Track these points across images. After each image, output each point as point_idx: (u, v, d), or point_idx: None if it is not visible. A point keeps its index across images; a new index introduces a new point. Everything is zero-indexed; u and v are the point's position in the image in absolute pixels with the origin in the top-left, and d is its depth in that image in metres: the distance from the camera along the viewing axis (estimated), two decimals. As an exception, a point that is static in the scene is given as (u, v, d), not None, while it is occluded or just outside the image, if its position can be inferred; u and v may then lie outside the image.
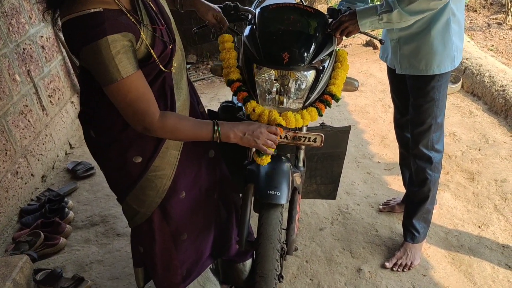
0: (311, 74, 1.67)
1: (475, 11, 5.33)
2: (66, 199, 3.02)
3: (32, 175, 3.22)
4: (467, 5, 5.43)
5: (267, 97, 1.70)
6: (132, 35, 1.32)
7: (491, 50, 4.31)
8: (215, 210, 1.90)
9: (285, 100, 1.69)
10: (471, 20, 5.13)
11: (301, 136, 1.70)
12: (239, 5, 1.96)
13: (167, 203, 1.66)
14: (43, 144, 3.43)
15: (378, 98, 3.87)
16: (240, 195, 1.98)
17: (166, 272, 1.82)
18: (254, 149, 1.78)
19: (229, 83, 1.75)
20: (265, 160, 1.65)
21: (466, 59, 3.84)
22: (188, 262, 1.85)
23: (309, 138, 1.71)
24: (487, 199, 2.51)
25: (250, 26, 1.81)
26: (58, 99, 3.79)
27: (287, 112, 1.65)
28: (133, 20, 1.34)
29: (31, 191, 3.18)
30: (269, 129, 1.58)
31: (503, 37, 4.55)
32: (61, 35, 3.91)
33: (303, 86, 1.68)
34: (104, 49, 1.26)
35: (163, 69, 1.45)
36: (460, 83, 3.73)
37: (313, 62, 1.66)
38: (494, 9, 5.29)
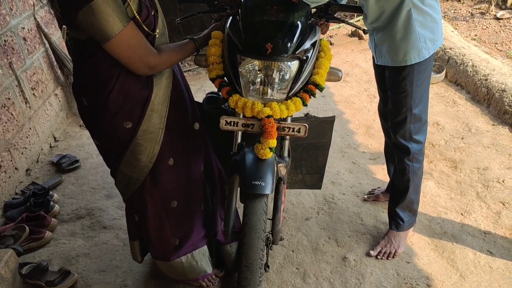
0: (294, 64, 1.67)
1: (459, 1, 5.37)
2: (51, 192, 3.00)
3: (16, 168, 3.19)
4: (451, -5, 5.46)
5: (251, 88, 1.70)
6: None
7: (474, 39, 4.35)
8: (202, 184, 2.02)
9: (269, 91, 1.69)
10: (455, 10, 5.17)
11: (285, 127, 1.71)
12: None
13: (156, 169, 1.82)
14: (27, 137, 3.39)
15: (363, 88, 3.89)
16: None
17: (159, 240, 1.98)
18: (238, 140, 1.80)
19: (212, 80, 1.76)
20: (268, 154, 1.66)
21: (450, 48, 3.88)
22: (180, 231, 1.99)
23: (293, 129, 1.72)
24: (470, 187, 2.55)
25: (233, 17, 1.80)
26: (42, 91, 3.74)
27: (272, 103, 1.66)
28: None
29: (15, 185, 3.15)
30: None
31: (486, 27, 4.59)
32: (43, 26, 3.85)
33: (287, 77, 1.68)
34: (101, 6, 1.42)
35: (148, 30, 1.61)
36: (443, 72, 3.76)
37: (296, 53, 1.66)
38: (477, -1, 5.33)
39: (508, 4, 4.86)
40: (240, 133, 1.82)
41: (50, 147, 3.71)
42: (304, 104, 1.70)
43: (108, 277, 2.32)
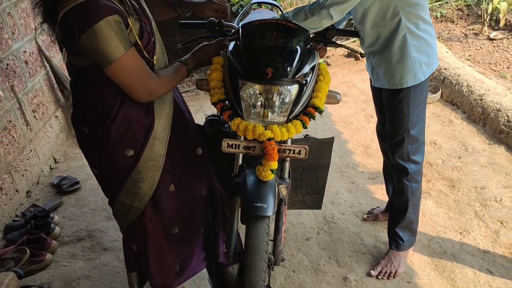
0: (294, 88, 1.71)
1: (453, 22, 5.47)
2: (51, 214, 3.01)
3: (16, 190, 3.20)
4: (445, 16, 5.56)
5: (252, 111, 1.73)
6: (122, 20, 1.49)
7: (469, 60, 4.42)
8: (203, 209, 2.00)
9: (270, 114, 1.73)
10: (449, 31, 5.26)
11: (286, 149, 1.74)
12: (223, 21, 2.01)
13: (157, 196, 1.79)
14: (28, 159, 3.41)
15: (360, 108, 3.94)
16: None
17: (160, 268, 1.92)
18: (239, 162, 1.83)
19: (214, 104, 1.79)
20: (269, 176, 1.68)
21: (445, 69, 3.95)
22: (180, 257, 1.95)
23: (294, 151, 1.75)
24: (468, 206, 2.58)
25: (234, 42, 1.85)
26: (42, 113, 3.78)
27: (272, 126, 1.69)
28: (121, 7, 1.50)
29: (15, 207, 3.16)
30: (209, 43, 1.87)
31: (480, 47, 4.68)
32: (44, 49, 3.91)
33: (287, 100, 1.72)
34: (104, 30, 1.43)
35: (148, 57, 1.62)
36: (439, 92, 3.82)
37: (296, 77, 1.70)
38: (470, 20, 5.43)
39: (501, 25, 4.96)
40: (241, 155, 1.85)
41: (51, 168, 3.73)
42: (304, 127, 1.74)
43: (109, 300, 2.32)
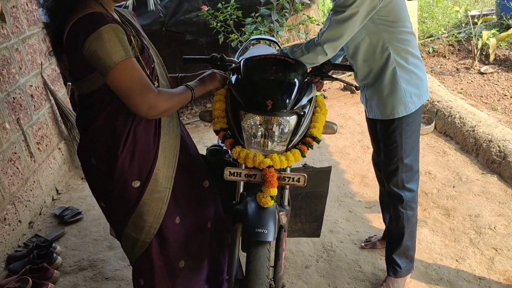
0: (293, 119, 1.80)
1: (444, 56, 5.66)
2: (54, 244, 3.04)
3: (19, 221, 3.24)
4: (437, 51, 5.76)
5: (253, 141, 1.82)
6: (125, 33, 1.57)
7: (461, 93, 4.57)
8: (209, 240, 2.01)
9: (269, 143, 1.81)
10: (441, 65, 5.44)
11: (285, 177, 1.82)
12: (225, 56, 2.13)
13: (164, 228, 1.79)
14: (31, 190, 3.47)
15: (357, 140, 4.04)
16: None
17: None
18: (241, 190, 1.90)
19: (216, 132, 1.87)
20: (270, 202, 1.74)
21: (438, 101, 4.08)
22: None
23: (293, 178, 1.82)
24: (463, 233, 2.64)
25: (235, 75, 1.96)
26: (46, 145, 3.86)
27: (272, 154, 1.78)
28: (124, 26, 1.59)
29: (18, 237, 3.20)
30: (218, 71, 1.95)
31: (471, 81, 4.83)
32: (49, 83, 4.03)
33: (286, 130, 1.81)
34: (108, 33, 1.50)
35: (148, 74, 1.67)
36: (433, 124, 3.94)
37: (294, 108, 1.80)
38: (462, 55, 5.62)
39: (491, 59, 5.14)
40: (242, 183, 1.92)
41: (53, 199, 3.78)
42: (303, 155, 1.82)
43: (111, 329, 2.34)
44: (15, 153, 3.33)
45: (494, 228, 2.63)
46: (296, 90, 1.82)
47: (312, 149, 1.85)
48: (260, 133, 1.81)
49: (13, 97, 3.44)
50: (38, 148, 3.72)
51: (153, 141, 1.75)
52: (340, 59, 2.30)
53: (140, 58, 1.66)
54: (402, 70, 1.94)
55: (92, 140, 1.70)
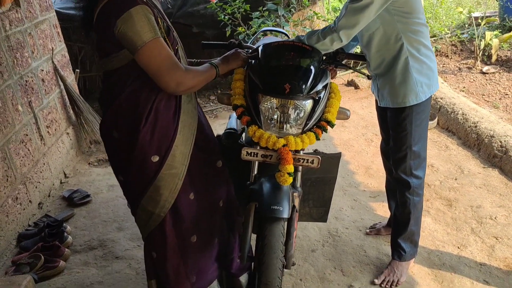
0: (309, 103, 1.87)
1: (447, 56, 5.75)
2: (64, 224, 3.11)
3: (30, 201, 3.31)
4: (440, 51, 5.84)
5: (270, 123, 1.89)
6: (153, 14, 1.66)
7: (463, 91, 4.66)
8: (220, 220, 2.09)
9: (285, 126, 1.89)
10: (444, 64, 5.53)
11: (300, 158, 1.90)
12: (243, 42, 2.21)
13: (178, 203, 1.87)
14: (41, 172, 3.53)
15: (361, 133, 4.13)
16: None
17: (177, 277, 1.99)
18: (255, 171, 1.98)
19: (235, 107, 1.95)
20: (288, 180, 1.82)
21: (441, 98, 4.17)
22: (196, 268, 2.03)
23: (307, 160, 1.90)
24: (465, 223, 2.73)
25: (254, 61, 2.03)
26: (55, 130, 3.92)
27: (288, 136, 1.85)
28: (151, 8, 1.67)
29: (28, 217, 3.26)
30: (241, 50, 2.02)
31: (473, 80, 4.92)
32: (59, 69, 4.09)
33: (301, 114, 1.88)
34: (138, 14, 1.59)
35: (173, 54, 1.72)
36: (436, 120, 4.03)
37: (310, 93, 1.87)
38: (464, 55, 5.71)
39: (493, 60, 5.23)
40: (256, 165, 2.00)
41: (61, 182, 3.84)
42: (317, 138, 1.89)
43: (123, 304, 2.41)
44: (27, 135, 3.39)
45: (495, 218, 2.72)
46: (312, 76, 1.89)
47: (327, 132, 1.92)
48: (276, 116, 1.88)
49: (26, 80, 3.49)
50: (48, 132, 3.78)
51: (173, 119, 1.82)
52: (353, 50, 2.38)
53: (167, 40, 1.74)
54: (414, 60, 2.02)
55: (115, 114, 1.78)
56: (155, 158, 1.80)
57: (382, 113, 2.33)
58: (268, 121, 1.89)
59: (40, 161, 3.55)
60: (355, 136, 4.08)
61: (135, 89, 1.74)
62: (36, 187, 3.43)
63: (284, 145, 1.83)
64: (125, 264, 2.72)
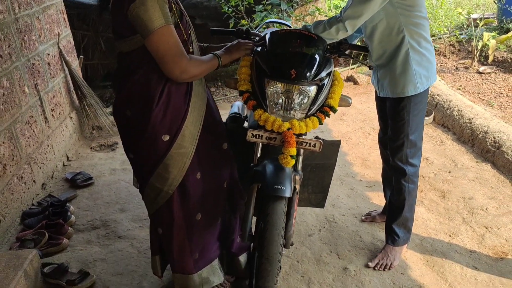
0: (313, 89, 1.96)
1: (445, 56, 5.85)
2: (68, 204, 3.18)
3: (34, 181, 3.38)
4: (438, 50, 5.94)
5: (275, 107, 1.98)
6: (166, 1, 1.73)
7: (459, 89, 4.76)
8: (223, 200, 2.18)
9: (290, 110, 1.98)
10: (442, 63, 5.63)
11: (302, 141, 1.98)
12: (250, 30, 2.29)
13: (186, 181, 1.96)
14: (45, 154, 3.60)
15: (359, 127, 4.23)
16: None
17: (181, 253, 2.08)
18: (258, 154, 2.06)
19: (241, 93, 2.03)
20: (291, 162, 1.90)
21: (438, 95, 4.27)
22: (200, 245, 2.11)
23: (310, 143, 1.99)
24: (457, 213, 2.83)
25: (261, 47, 2.12)
26: (59, 113, 3.99)
27: (293, 120, 1.94)
28: None
29: (32, 196, 3.33)
30: (243, 41, 2.07)
31: (470, 79, 5.03)
32: (65, 54, 4.15)
33: (305, 99, 1.97)
34: (151, 0, 1.65)
35: (185, 38, 1.83)
36: (432, 116, 4.13)
37: (315, 79, 1.96)
38: (461, 55, 5.81)
39: (489, 60, 5.34)
40: (260, 148, 2.08)
41: (64, 165, 3.92)
42: (320, 123, 1.98)
43: (125, 280, 2.49)
44: (32, 116, 3.46)
45: (486, 209, 2.83)
46: (317, 64, 1.98)
47: (329, 117, 2.01)
48: (281, 100, 1.97)
49: (32, 63, 3.56)
50: (52, 115, 3.84)
51: (184, 100, 1.91)
52: (356, 41, 2.47)
53: (180, 24, 1.83)
54: (414, 52, 2.11)
55: (129, 94, 1.86)
56: (166, 137, 1.88)
57: (381, 103, 2.42)
58: (274, 105, 1.97)
59: (45, 143, 3.62)
60: (353, 129, 4.18)
61: (148, 71, 1.82)
62: (40, 168, 3.50)
63: (288, 129, 1.92)
64: (127, 243, 2.80)
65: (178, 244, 2.07)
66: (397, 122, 2.26)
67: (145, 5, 1.66)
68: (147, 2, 1.66)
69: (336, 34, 2.05)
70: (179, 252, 2.09)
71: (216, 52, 2.00)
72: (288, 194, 1.89)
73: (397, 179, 2.36)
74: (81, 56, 4.78)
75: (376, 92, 2.43)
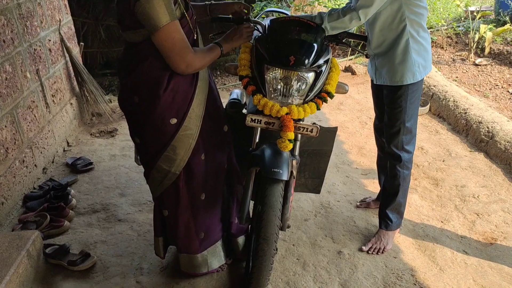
0: (311, 76, 2.01)
1: (442, 47, 5.90)
2: (68, 188, 3.24)
3: (35, 165, 3.43)
4: (435, 42, 5.99)
5: (274, 92, 2.03)
6: None
7: (455, 81, 4.82)
8: (223, 182, 2.25)
9: (288, 96, 2.03)
10: (439, 55, 5.68)
11: (300, 126, 2.04)
12: (250, 17, 2.33)
13: (191, 162, 2.04)
14: (46, 138, 3.65)
15: (355, 116, 4.29)
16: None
17: (187, 233, 2.16)
18: (257, 139, 2.12)
19: (241, 78, 2.08)
20: (289, 146, 1.96)
21: (434, 86, 4.33)
22: (205, 225, 2.19)
23: (307, 129, 2.04)
24: (449, 200, 2.91)
25: (260, 34, 2.17)
26: (60, 99, 4.03)
27: (291, 105, 1.99)
28: None
29: (33, 180, 3.39)
30: (243, 26, 2.09)
31: (466, 71, 5.09)
32: (66, 40, 4.19)
33: (303, 86, 2.02)
34: None
35: (191, 28, 1.89)
36: (428, 106, 4.19)
37: (313, 66, 2.01)
38: (458, 47, 5.86)
39: (486, 53, 5.39)
40: (259, 132, 2.14)
41: (64, 150, 3.96)
42: (318, 108, 2.04)
43: (125, 261, 2.55)
44: (34, 101, 3.50)
45: (478, 197, 2.90)
46: (315, 51, 2.03)
47: (327, 103, 2.07)
48: (280, 86, 2.02)
49: (34, 49, 3.59)
50: (53, 101, 3.88)
51: (191, 84, 1.97)
52: (353, 29, 2.52)
53: (186, 14, 1.89)
54: (414, 41, 2.17)
55: (136, 81, 1.92)
56: (173, 121, 1.95)
57: (377, 91, 2.47)
58: (273, 90, 2.03)
59: (45, 128, 3.67)
60: (350, 119, 4.24)
61: (155, 60, 1.87)
62: (41, 153, 3.55)
63: (286, 114, 1.98)
64: (127, 226, 2.87)
65: (184, 224, 2.15)
66: (394, 109, 2.32)
67: (151, 2, 1.71)
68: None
69: (349, 22, 2.09)
70: (185, 233, 2.17)
71: (217, 41, 2.06)
72: (285, 177, 1.95)
73: (392, 165, 2.43)
74: (81, 43, 4.80)
75: (372, 80, 2.49)
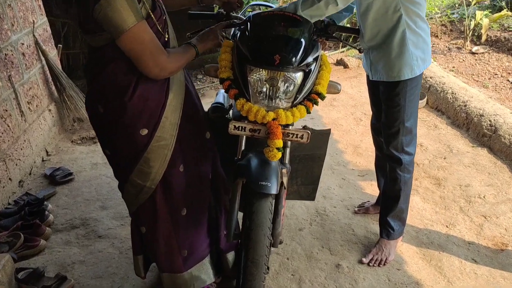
0: (299, 76, 1.80)
1: (437, 36, 5.70)
2: (45, 202, 3.02)
3: (10, 179, 3.20)
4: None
5: (258, 96, 1.82)
6: None
7: (452, 71, 4.62)
8: (209, 194, 2.06)
9: (275, 99, 1.82)
10: (434, 44, 5.47)
11: (289, 133, 1.83)
12: (231, 13, 2.12)
13: (168, 175, 1.84)
14: (21, 149, 3.42)
15: (350, 112, 4.08)
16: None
17: (168, 251, 1.96)
18: (243, 147, 1.91)
19: (222, 81, 1.87)
20: (277, 155, 1.75)
21: (430, 77, 4.12)
22: (187, 242, 2.00)
23: (297, 135, 1.84)
24: (453, 202, 2.71)
25: (242, 31, 1.95)
26: (36, 106, 3.80)
27: (278, 109, 1.78)
28: None
29: (8, 195, 3.16)
30: (217, 26, 1.93)
31: (463, 60, 4.89)
32: (41, 43, 3.95)
33: (291, 87, 1.81)
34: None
35: (160, 30, 1.70)
36: (425, 99, 3.99)
37: (301, 65, 1.80)
38: (454, 35, 5.66)
39: (482, 40, 5.19)
40: (244, 140, 1.93)
41: (43, 160, 3.74)
42: (308, 112, 1.83)
43: (105, 283, 2.35)
44: (6, 110, 3.27)
45: (484, 197, 2.71)
46: (303, 48, 1.82)
47: (317, 105, 1.86)
48: (266, 88, 1.81)
49: (5, 54, 3.36)
50: (29, 108, 3.65)
51: (162, 89, 1.77)
52: (344, 21, 2.30)
53: (152, 15, 1.68)
54: (411, 32, 1.96)
55: (100, 88, 1.73)
56: (144, 131, 1.76)
57: (374, 87, 2.27)
58: (257, 94, 1.82)
59: (21, 138, 3.44)
60: (343, 115, 4.03)
61: (121, 62, 1.67)
62: (16, 165, 3.32)
63: (273, 119, 1.77)
64: (108, 243, 2.66)
65: (165, 241, 1.96)
66: (392, 107, 2.12)
67: (111, 5, 1.51)
68: (112, 1, 1.51)
69: (325, 8, 1.89)
70: (166, 250, 1.98)
71: (191, 41, 1.87)
72: (274, 191, 1.75)
73: (392, 169, 2.23)
74: (59, 45, 4.56)
75: (367, 76, 2.28)
